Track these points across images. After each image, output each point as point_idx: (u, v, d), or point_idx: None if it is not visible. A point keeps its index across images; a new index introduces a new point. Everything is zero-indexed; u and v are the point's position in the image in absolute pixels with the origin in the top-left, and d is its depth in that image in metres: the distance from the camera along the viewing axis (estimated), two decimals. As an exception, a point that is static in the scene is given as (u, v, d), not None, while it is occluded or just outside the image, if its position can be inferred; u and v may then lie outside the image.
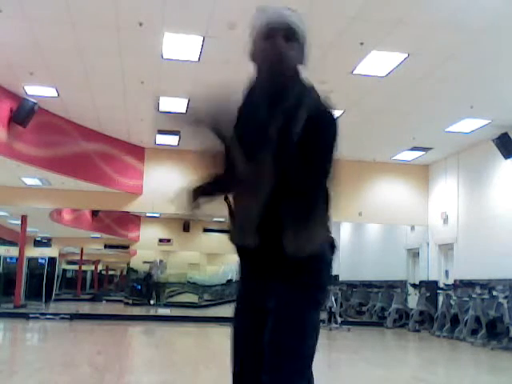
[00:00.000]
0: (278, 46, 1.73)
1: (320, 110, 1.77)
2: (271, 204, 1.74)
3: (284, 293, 1.81)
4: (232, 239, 1.92)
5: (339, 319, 13.08)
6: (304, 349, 1.81)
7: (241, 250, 1.92)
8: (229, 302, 20.59)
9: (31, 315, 13.87)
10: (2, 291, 18.60)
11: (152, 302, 21.41)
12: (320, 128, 1.74)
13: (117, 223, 21.37)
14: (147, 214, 20.59)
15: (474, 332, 10.44)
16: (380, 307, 14.53)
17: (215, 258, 25.36)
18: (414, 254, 15.00)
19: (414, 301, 13.51)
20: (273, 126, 1.71)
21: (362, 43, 7.38)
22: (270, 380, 1.77)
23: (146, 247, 23.79)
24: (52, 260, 23.48)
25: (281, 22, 1.74)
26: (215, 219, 20.44)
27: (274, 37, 1.73)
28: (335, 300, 13.24)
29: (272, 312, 1.83)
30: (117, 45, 7.78)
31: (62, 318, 13.79)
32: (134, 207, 13.97)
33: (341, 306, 14.41)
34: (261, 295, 1.88)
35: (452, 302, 11.78)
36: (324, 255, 1.86)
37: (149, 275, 22.34)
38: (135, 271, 24.08)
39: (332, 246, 1.90)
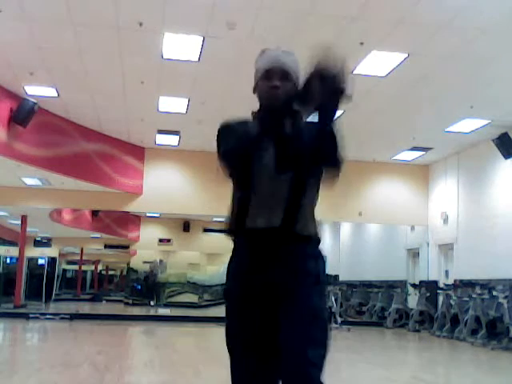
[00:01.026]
0: (274, 86, 2.07)
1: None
2: (293, 193, 2.04)
3: (297, 285, 1.98)
4: (248, 222, 2.03)
5: (339, 319, 13.08)
6: (326, 338, 1.97)
7: (252, 234, 2.03)
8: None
9: (31, 315, 13.88)
10: (2, 291, 18.61)
11: (152, 303, 21.37)
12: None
13: (117, 223, 21.36)
14: (147, 214, 20.59)
15: (474, 332, 10.44)
16: (380, 307, 14.53)
17: (215, 258, 25.33)
18: (414, 253, 14.99)
19: (414, 301, 13.51)
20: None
21: (361, 43, 7.38)
22: (298, 369, 1.88)
23: (146, 247, 23.77)
24: (52, 260, 23.51)
25: (276, 66, 2.09)
26: (215, 219, 20.43)
27: (271, 78, 2.08)
28: (335, 300, 13.25)
29: (288, 306, 1.96)
30: (117, 45, 7.78)
31: (62, 318, 13.80)
32: (134, 207, 13.97)
33: (341, 305, 14.41)
34: (264, 277, 2.00)
35: (452, 302, 11.78)
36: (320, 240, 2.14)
37: (151, 274, 22.27)
38: (135, 271, 24.07)
39: None
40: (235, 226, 2.09)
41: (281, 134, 2.04)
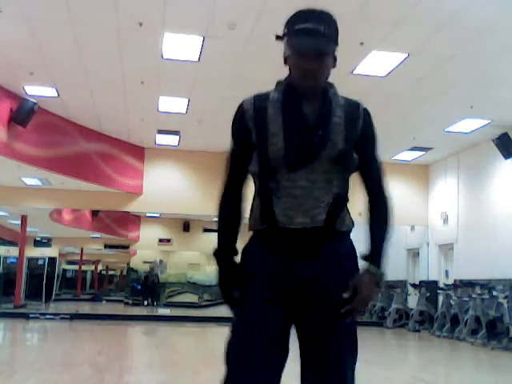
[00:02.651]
0: (310, 68, 1.86)
1: (352, 105, 2.08)
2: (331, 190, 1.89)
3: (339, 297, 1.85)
4: (281, 220, 1.84)
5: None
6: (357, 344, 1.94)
7: (288, 233, 1.85)
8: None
9: (31, 315, 13.88)
10: (2, 291, 18.62)
11: (146, 302, 21.32)
12: (363, 121, 2.15)
13: (117, 223, 21.37)
14: (147, 214, 20.59)
15: (474, 332, 10.44)
16: (380, 307, 14.53)
17: (215, 258, 25.29)
18: (414, 253, 15.00)
19: (414, 301, 13.51)
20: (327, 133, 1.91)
21: (361, 43, 7.38)
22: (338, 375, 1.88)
23: (146, 247, 23.80)
24: (52, 260, 23.51)
25: (312, 48, 1.86)
26: (215, 219, 20.41)
27: (305, 57, 1.85)
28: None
29: (321, 313, 1.85)
30: (117, 45, 7.78)
31: (62, 318, 13.80)
32: (133, 207, 13.98)
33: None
34: (294, 273, 1.85)
35: (452, 302, 11.78)
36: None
37: (150, 274, 22.23)
38: (135, 271, 24.10)
39: None
40: (263, 225, 1.88)
41: (298, 127, 1.86)
